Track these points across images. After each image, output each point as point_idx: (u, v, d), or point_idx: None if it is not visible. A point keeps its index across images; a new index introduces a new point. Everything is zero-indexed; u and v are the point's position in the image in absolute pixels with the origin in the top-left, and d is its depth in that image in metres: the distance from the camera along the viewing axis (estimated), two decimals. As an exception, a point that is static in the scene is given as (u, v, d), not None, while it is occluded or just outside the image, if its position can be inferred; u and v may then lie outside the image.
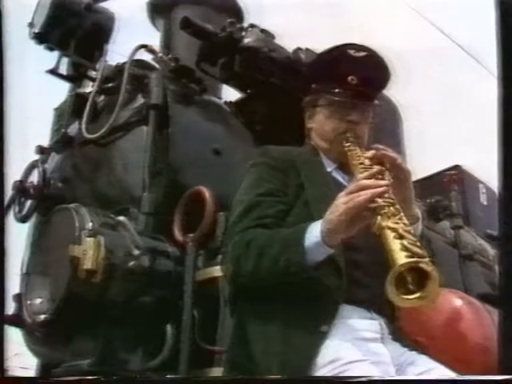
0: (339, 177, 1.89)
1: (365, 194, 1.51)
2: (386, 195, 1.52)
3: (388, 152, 1.68)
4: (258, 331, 1.65)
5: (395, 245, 1.41)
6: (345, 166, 1.85)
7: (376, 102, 1.93)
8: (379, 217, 1.48)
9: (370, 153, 1.70)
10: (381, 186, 1.53)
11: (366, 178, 1.57)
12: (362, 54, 1.86)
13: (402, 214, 1.50)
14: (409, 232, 1.44)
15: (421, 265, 1.37)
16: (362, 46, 1.88)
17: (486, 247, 3.85)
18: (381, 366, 1.57)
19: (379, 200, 1.50)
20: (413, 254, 1.38)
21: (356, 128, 1.86)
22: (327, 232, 1.55)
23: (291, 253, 1.59)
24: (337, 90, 1.86)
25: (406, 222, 1.48)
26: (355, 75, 1.84)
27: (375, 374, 1.52)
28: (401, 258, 1.37)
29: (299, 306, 1.62)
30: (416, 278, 1.39)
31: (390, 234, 1.44)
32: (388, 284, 1.37)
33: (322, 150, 1.92)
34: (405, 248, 1.39)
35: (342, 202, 1.53)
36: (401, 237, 1.42)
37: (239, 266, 1.67)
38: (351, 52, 1.86)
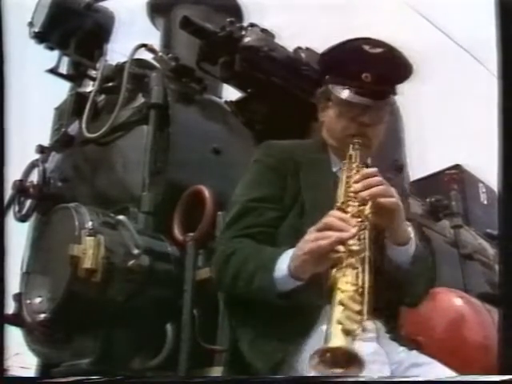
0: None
1: (329, 238, 1.43)
2: (353, 242, 1.43)
3: (374, 181, 1.58)
4: (241, 334, 1.67)
5: (336, 312, 1.31)
6: None
7: (390, 99, 1.83)
8: (334, 270, 1.40)
9: (360, 175, 1.60)
10: (348, 231, 1.44)
11: (337, 218, 1.48)
12: (378, 50, 1.74)
13: (365, 265, 1.40)
14: (354, 299, 1.33)
15: (347, 349, 1.27)
16: (378, 41, 1.76)
17: (486, 246, 3.85)
18: (375, 365, 1.56)
19: (341, 248, 1.42)
20: (347, 331, 1.27)
21: (367, 130, 1.77)
22: (294, 267, 1.50)
23: (262, 280, 1.56)
24: (349, 87, 1.75)
25: (364, 280, 1.37)
26: (369, 72, 1.73)
27: (369, 373, 1.51)
28: (335, 336, 1.28)
29: (275, 317, 1.60)
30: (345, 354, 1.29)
31: (337, 296, 1.34)
32: (311, 359, 1.29)
33: (331, 147, 1.85)
34: (341, 322, 1.29)
35: (309, 240, 1.48)
36: (343, 305, 1.32)
37: (219, 278, 1.68)
38: (366, 48, 1.74)
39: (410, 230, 1.69)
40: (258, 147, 1.91)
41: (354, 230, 1.45)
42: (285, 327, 1.59)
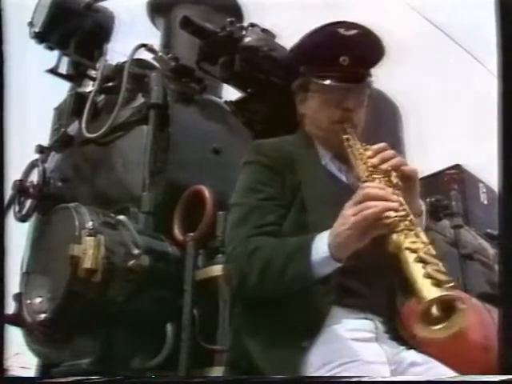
0: (335, 169, 1.82)
1: (374, 207, 1.42)
2: (399, 207, 1.43)
3: (389, 155, 1.60)
4: (250, 340, 1.63)
5: (418, 271, 1.31)
6: (341, 155, 1.78)
7: (369, 81, 1.82)
8: (395, 235, 1.39)
9: (372, 151, 1.61)
10: (391, 198, 1.45)
11: (373, 187, 1.49)
12: (353, 31, 1.74)
13: (418, 228, 1.42)
14: (430, 253, 1.36)
15: (448, 297, 1.29)
16: (352, 23, 1.76)
17: (486, 246, 3.85)
18: (374, 365, 1.56)
19: (392, 214, 1.41)
20: (438, 283, 1.29)
21: (352, 116, 1.77)
22: (336, 246, 1.48)
23: (297, 267, 1.53)
24: (328, 74, 1.75)
25: (425, 238, 1.40)
26: (347, 55, 1.73)
27: (369, 374, 1.51)
28: (428, 290, 1.28)
29: (283, 320, 1.59)
30: (441, 306, 1.32)
31: (410, 257, 1.34)
32: (416, 321, 1.31)
33: (317, 138, 1.84)
34: (429, 276, 1.30)
35: (350, 214, 1.46)
36: (422, 261, 1.33)
37: (243, 278, 1.61)
38: (341, 31, 1.73)
39: (422, 204, 1.71)
40: (250, 148, 1.89)
41: (395, 195, 1.46)
42: (295, 331, 1.57)
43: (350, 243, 1.47)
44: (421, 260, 1.33)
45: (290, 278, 1.54)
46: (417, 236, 1.39)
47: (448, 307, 1.31)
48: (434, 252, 1.37)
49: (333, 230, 1.50)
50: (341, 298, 1.63)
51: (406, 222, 1.41)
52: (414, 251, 1.35)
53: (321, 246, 1.51)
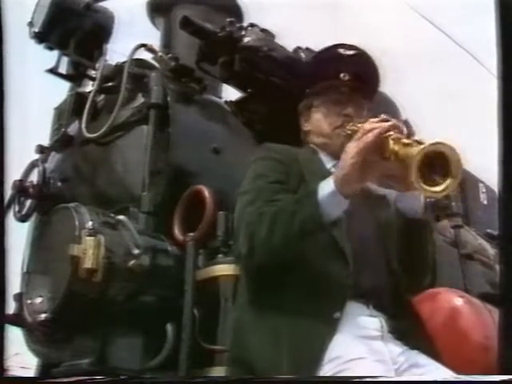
0: None
1: (374, 130, 1.53)
2: (395, 131, 1.53)
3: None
4: (264, 325, 1.64)
5: (410, 147, 1.40)
6: None
7: (370, 101, 1.98)
8: (391, 141, 1.48)
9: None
10: (387, 123, 1.55)
11: (369, 124, 1.59)
12: (352, 52, 1.95)
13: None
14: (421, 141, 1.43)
15: (441, 148, 1.37)
16: (350, 45, 1.97)
17: (486, 247, 3.85)
18: (382, 364, 1.57)
19: (390, 133, 1.51)
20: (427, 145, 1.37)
21: (353, 121, 1.86)
22: (341, 179, 1.56)
23: (305, 209, 1.59)
24: (330, 88, 1.93)
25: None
26: (347, 72, 1.91)
27: (377, 372, 1.52)
28: (418, 148, 1.36)
29: (308, 295, 1.62)
30: (438, 166, 1.39)
31: (404, 146, 1.43)
32: (414, 176, 1.36)
33: (321, 148, 1.96)
34: (418, 142, 1.39)
35: (352, 146, 1.55)
36: (416, 142, 1.41)
37: (253, 238, 1.65)
38: (341, 51, 1.96)
39: None
40: (260, 148, 2.01)
41: (392, 122, 1.57)
42: (316, 308, 1.60)
43: (354, 174, 1.55)
44: (415, 143, 1.42)
45: (299, 221, 1.59)
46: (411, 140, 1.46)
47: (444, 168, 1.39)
48: None
49: (338, 167, 1.60)
50: (357, 292, 1.67)
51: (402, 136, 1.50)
52: (407, 145, 1.44)
53: (327, 184, 1.59)
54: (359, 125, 1.73)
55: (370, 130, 1.54)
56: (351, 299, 1.67)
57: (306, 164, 1.87)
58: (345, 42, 2.00)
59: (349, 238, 1.69)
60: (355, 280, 1.68)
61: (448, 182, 1.39)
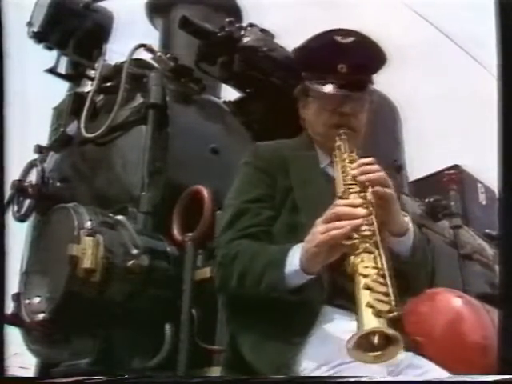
0: (333, 172, 1.77)
1: (341, 227, 1.43)
2: (364, 227, 1.43)
3: (372, 169, 1.58)
4: (243, 337, 1.65)
5: (363, 298, 1.32)
6: None
7: (370, 87, 1.81)
8: (352, 257, 1.40)
9: (356, 164, 1.60)
10: (359, 217, 1.44)
11: (345, 205, 1.49)
12: (350, 39, 1.72)
13: (379, 249, 1.41)
14: (379, 281, 1.34)
15: (384, 330, 1.28)
16: (349, 30, 1.74)
17: (485, 247, 3.85)
18: (372, 367, 1.55)
19: (355, 235, 1.42)
20: (379, 313, 1.29)
21: (350, 120, 1.76)
22: (305, 261, 1.51)
23: (272, 277, 1.56)
24: (326, 81, 1.74)
25: (382, 262, 1.38)
26: (344, 63, 1.71)
27: (366, 374, 1.51)
28: (367, 320, 1.29)
29: (276, 317, 1.60)
30: (379, 336, 1.31)
31: (361, 281, 1.35)
32: (349, 345, 1.29)
33: (316, 143, 1.85)
34: (371, 305, 1.30)
35: (318, 232, 1.47)
36: (369, 288, 1.33)
37: (224, 283, 1.67)
38: (338, 38, 1.72)
39: (408, 221, 1.68)
40: (250, 149, 1.90)
41: (364, 213, 1.45)
42: (287, 328, 1.58)
43: (318, 259, 1.49)
44: (368, 287, 1.33)
45: (265, 286, 1.57)
46: (375, 260, 1.38)
47: (388, 337, 1.30)
48: (386, 278, 1.36)
49: (303, 246, 1.52)
50: (333, 298, 1.64)
51: (367, 245, 1.41)
52: (364, 277, 1.35)
53: (294, 259, 1.54)
54: (345, 156, 1.66)
55: (341, 218, 1.44)
56: (338, 308, 1.65)
57: (295, 169, 1.76)
58: (342, 28, 1.75)
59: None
60: (339, 296, 1.62)
61: (381, 353, 1.31)
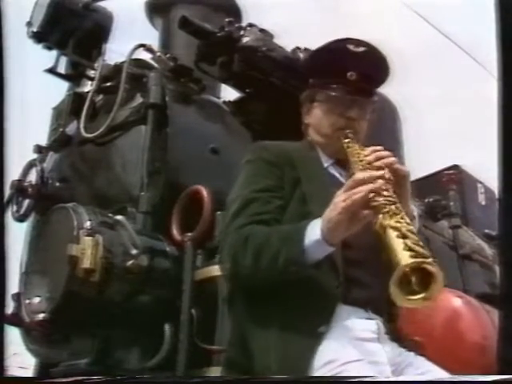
0: (336, 172, 1.86)
1: (362, 191, 1.48)
2: (386, 193, 1.48)
3: (385, 154, 1.64)
4: (256, 332, 1.62)
5: (398, 244, 1.37)
6: (342, 162, 1.83)
7: (375, 98, 1.90)
8: (381, 215, 1.44)
9: (369, 150, 1.66)
10: (377, 179, 1.50)
11: (362, 174, 1.54)
12: (362, 49, 1.82)
13: (403, 212, 1.46)
14: (411, 231, 1.40)
15: (425, 265, 1.33)
16: (361, 40, 1.84)
17: (485, 247, 3.86)
18: (377, 366, 1.56)
19: (380, 199, 1.47)
20: (416, 254, 1.34)
21: (355, 124, 1.83)
22: (327, 230, 1.51)
23: (290, 251, 1.55)
24: (335, 86, 1.83)
25: (409, 220, 1.44)
26: (354, 71, 1.81)
27: (372, 373, 1.51)
28: (405, 258, 1.34)
29: (296, 307, 1.60)
30: (419, 278, 1.35)
31: (393, 233, 1.40)
32: (392, 284, 1.33)
33: (319, 145, 1.89)
34: (408, 248, 1.35)
35: (340, 200, 1.50)
36: (404, 236, 1.38)
37: (237, 264, 1.63)
38: (350, 47, 1.82)
39: (414, 209, 1.75)
40: (251, 148, 1.92)
41: (383, 175, 1.52)
42: (306, 319, 1.58)
43: (340, 228, 1.51)
44: (403, 236, 1.39)
45: (283, 262, 1.56)
46: (402, 218, 1.44)
47: (425, 279, 1.35)
48: (415, 231, 1.43)
49: (325, 216, 1.53)
50: (346, 292, 1.65)
51: (393, 207, 1.46)
52: (396, 229, 1.41)
53: (314, 230, 1.55)
54: (356, 147, 1.73)
55: (361, 184, 1.49)
56: (348, 304, 1.65)
57: (300, 164, 1.81)
58: (353, 37, 1.84)
59: (344, 248, 1.67)
60: (351, 287, 1.65)
61: (424, 294, 1.36)
